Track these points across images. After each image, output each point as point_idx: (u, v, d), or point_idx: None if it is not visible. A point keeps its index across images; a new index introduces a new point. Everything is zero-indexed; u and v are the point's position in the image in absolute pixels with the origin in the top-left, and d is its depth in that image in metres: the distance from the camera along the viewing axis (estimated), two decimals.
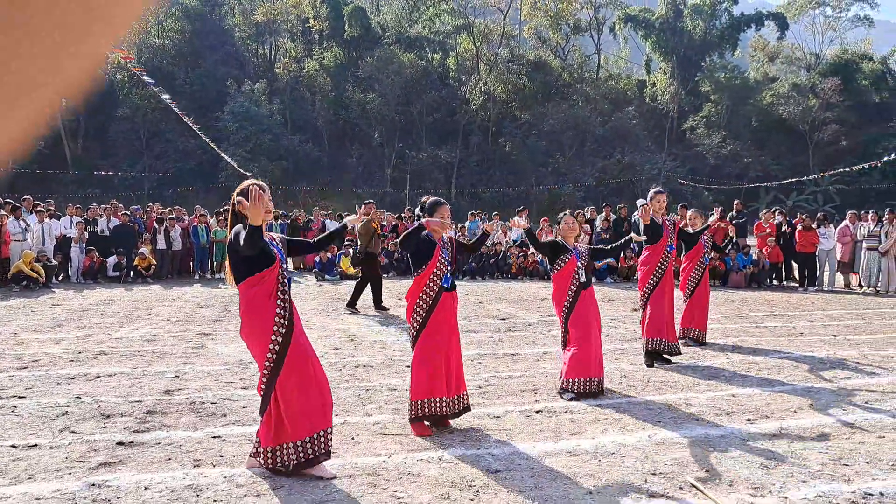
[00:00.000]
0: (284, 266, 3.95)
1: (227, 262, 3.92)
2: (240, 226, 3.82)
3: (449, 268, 4.81)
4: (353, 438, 4.50)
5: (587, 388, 5.57)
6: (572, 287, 5.71)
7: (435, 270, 4.71)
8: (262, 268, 3.77)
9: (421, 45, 45.54)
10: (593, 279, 6.20)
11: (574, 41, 48.11)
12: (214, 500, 3.48)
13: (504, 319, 9.81)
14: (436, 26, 47.05)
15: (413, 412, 4.63)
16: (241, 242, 3.66)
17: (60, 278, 14.21)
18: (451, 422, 4.79)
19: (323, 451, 3.81)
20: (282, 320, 3.77)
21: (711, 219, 8.51)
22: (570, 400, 5.47)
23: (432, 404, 4.60)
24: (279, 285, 3.81)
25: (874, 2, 47.36)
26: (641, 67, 50.89)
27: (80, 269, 14.28)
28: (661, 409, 5.27)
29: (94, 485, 3.64)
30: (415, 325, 4.70)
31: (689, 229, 8.11)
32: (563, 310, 5.73)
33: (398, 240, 4.84)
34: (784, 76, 45.43)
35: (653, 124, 44.80)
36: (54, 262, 13.69)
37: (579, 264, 5.78)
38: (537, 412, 5.17)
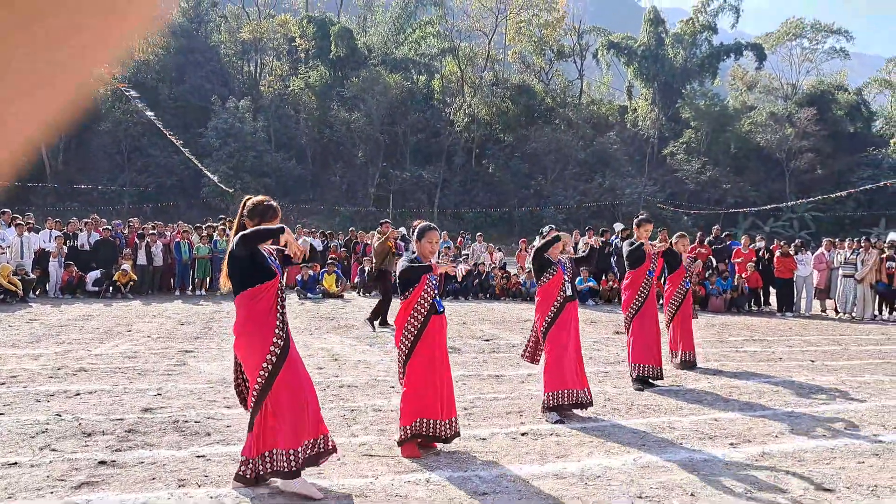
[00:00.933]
0: (283, 282, 3.97)
1: (223, 269, 3.93)
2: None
3: (436, 291, 4.84)
4: (338, 459, 4.48)
5: (568, 400, 5.60)
6: (559, 299, 5.80)
7: (423, 294, 4.70)
8: (260, 281, 3.79)
9: (406, 66, 45.89)
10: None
11: (557, 66, 48.79)
12: None
13: (488, 340, 9.83)
14: (421, 48, 47.51)
15: (403, 434, 4.60)
16: (243, 241, 3.73)
17: (38, 293, 14.00)
18: (438, 445, 4.79)
19: (323, 450, 3.94)
20: (278, 339, 3.78)
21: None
22: (555, 422, 5.49)
23: (423, 425, 4.58)
24: (278, 300, 3.83)
25: (850, 35, 48.63)
26: (623, 93, 51.70)
27: (58, 283, 14.09)
28: (646, 433, 5.30)
29: None
30: (404, 349, 4.68)
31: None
32: (546, 320, 5.79)
33: (401, 270, 4.80)
34: (762, 105, 46.35)
35: (634, 149, 45.40)
36: (32, 276, 13.50)
37: (566, 277, 5.90)
38: (523, 434, 5.19)
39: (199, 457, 4.45)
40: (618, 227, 16.79)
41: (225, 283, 3.92)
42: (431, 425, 4.60)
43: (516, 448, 4.85)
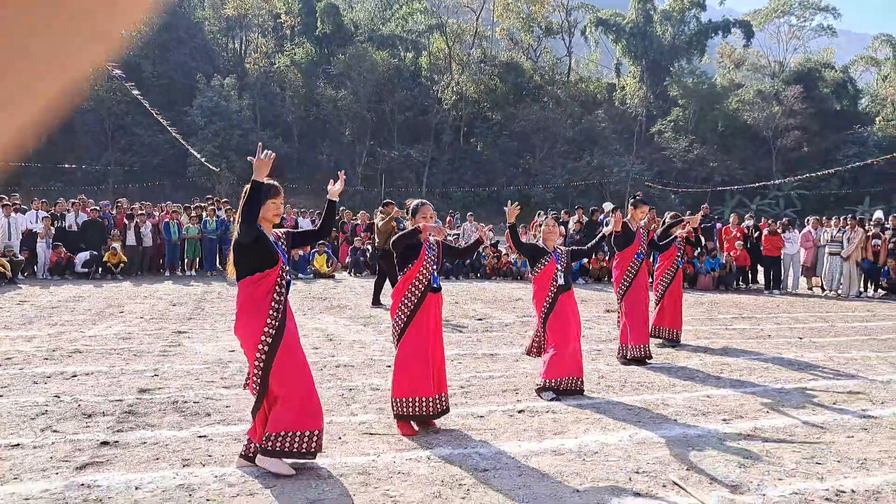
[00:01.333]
0: (287, 268, 3.98)
1: (230, 256, 3.94)
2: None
3: (434, 267, 4.86)
4: (340, 438, 4.54)
5: (566, 386, 5.68)
6: (552, 290, 5.82)
7: (421, 269, 4.75)
8: (263, 268, 3.81)
9: (393, 43, 45.44)
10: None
11: (546, 43, 48.49)
12: (207, 500, 3.49)
13: (481, 319, 9.90)
14: (408, 25, 47.00)
15: (396, 410, 4.68)
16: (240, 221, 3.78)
17: (26, 274, 13.89)
18: (436, 422, 4.85)
19: (308, 450, 3.86)
20: (273, 321, 3.80)
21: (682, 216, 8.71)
22: (551, 400, 5.57)
23: (415, 403, 4.64)
24: (276, 286, 3.85)
25: (837, 12, 48.67)
26: (611, 71, 51.54)
27: (46, 264, 13.98)
28: (640, 410, 5.40)
29: (83, 485, 3.62)
30: (399, 322, 4.73)
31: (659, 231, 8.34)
32: (542, 311, 5.84)
33: (392, 240, 4.87)
34: (749, 83, 46.39)
35: (622, 127, 45.38)
36: (20, 258, 13.38)
37: (558, 266, 5.90)
38: (520, 412, 5.26)
39: (200, 437, 4.48)
40: (607, 206, 16.85)
41: (231, 272, 3.93)
42: (421, 403, 4.65)
43: (514, 425, 4.92)
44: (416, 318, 4.71)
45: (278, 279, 3.87)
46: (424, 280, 4.75)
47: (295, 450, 3.81)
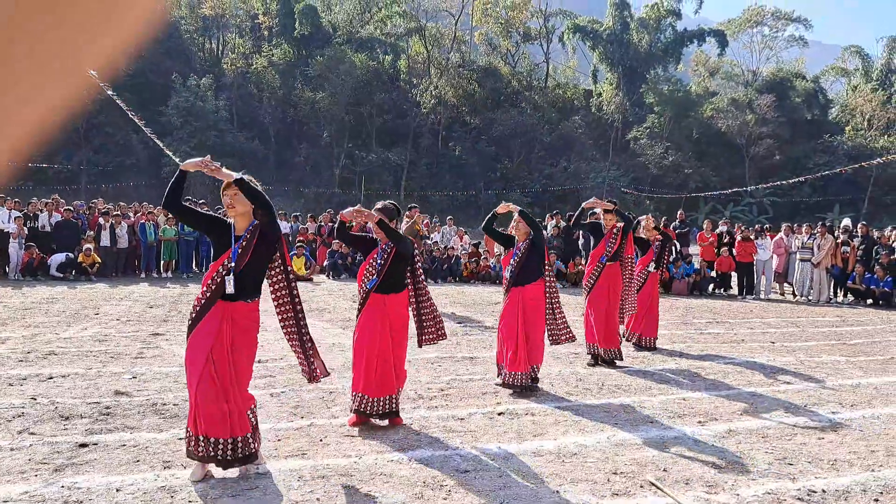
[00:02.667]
0: (230, 264, 3.80)
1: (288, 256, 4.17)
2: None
3: (377, 270, 4.88)
4: (321, 440, 4.55)
5: (509, 380, 5.92)
6: (507, 282, 6.16)
7: (367, 268, 4.92)
8: (211, 260, 3.93)
9: (372, 45, 45.39)
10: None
11: (524, 49, 48.79)
12: (190, 502, 3.49)
13: (460, 323, 9.95)
14: (387, 28, 46.98)
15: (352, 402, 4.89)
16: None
17: None
18: (374, 421, 4.89)
19: (213, 456, 3.74)
20: (193, 311, 3.80)
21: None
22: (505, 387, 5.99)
23: (359, 399, 4.80)
24: (210, 279, 3.79)
25: (808, 23, 49.65)
26: (588, 77, 51.99)
27: (18, 265, 13.74)
28: (618, 412, 5.49)
29: (63, 486, 3.60)
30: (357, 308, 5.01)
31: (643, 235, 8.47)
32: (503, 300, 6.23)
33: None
34: (723, 91, 47.11)
35: (598, 133, 45.80)
36: None
37: (513, 261, 6.17)
38: (500, 414, 5.32)
39: (180, 439, 4.46)
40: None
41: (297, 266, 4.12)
42: (363, 401, 4.78)
43: (494, 427, 4.98)
44: (361, 317, 4.88)
45: (214, 273, 3.79)
46: (367, 281, 4.90)
47: (200, 454, 3.72)
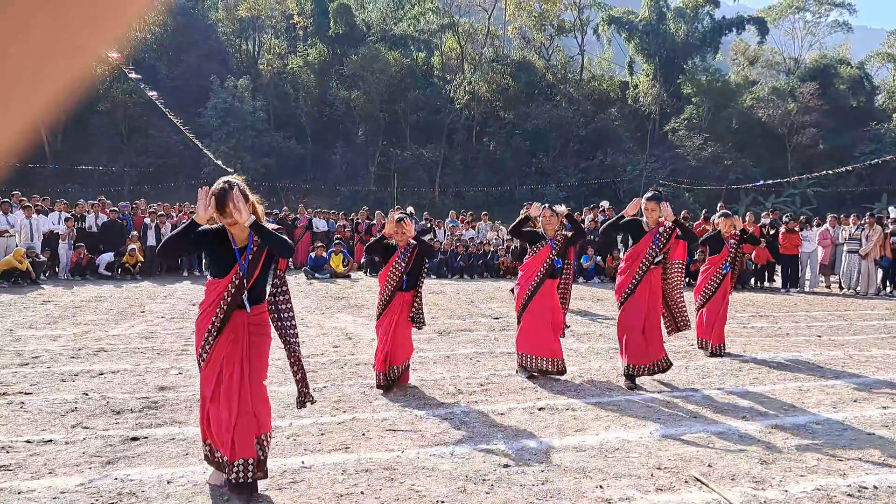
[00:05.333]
0: (239, 280, 3.65)
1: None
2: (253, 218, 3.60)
3: (406, 270, 5.88)
4: (363, 434, 4.60)
5: (524, 362, 6.24)
6: (539, 273, 6.32)
7: (391, 270, 5.89)
8: (217, 276, 3.71)
9: (406, 43, 45.51)
10: (581, 279, 6.52)
11: (558, 42, 48.37)
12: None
13: (497, 319, 9.94)
14: (420, 25, 47.04)
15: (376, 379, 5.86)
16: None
17: (48, 275, 14.09)
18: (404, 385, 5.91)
19: (243, 478, 3.53)
20: (212, 328, 3.61)
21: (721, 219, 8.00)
22: (528, 377, 6.25)
23: (379, 376, 5.77)
24: (222, 300, 3.63)
25: (853, 7, 48.20)
26: (624, 69, 51.31)
27: (68, 265, 14.17)
28: (660, 407, 5.43)
29: (117, 479, 3.71)
30: (377, 311, 6.04)
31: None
32: (527, 292, 6.37)
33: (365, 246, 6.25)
34: (764, 80, 46.06)
35: (635, 126, 45.19)
36: (43, 259, 13.58)
37: (552, 253, 6.34)
38: (540, 409, 5.31)
39: None
40: (604, 204, 17.07)
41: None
42: (379, 375, 5.78)
43: (535, 422, 4.97)
44: (387, 310, 5.92)
45: (228, 287, 3.62)
46: (394, 282, 5.89)
47: (216, 460, 3.67)
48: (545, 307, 6.31)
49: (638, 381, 6.16)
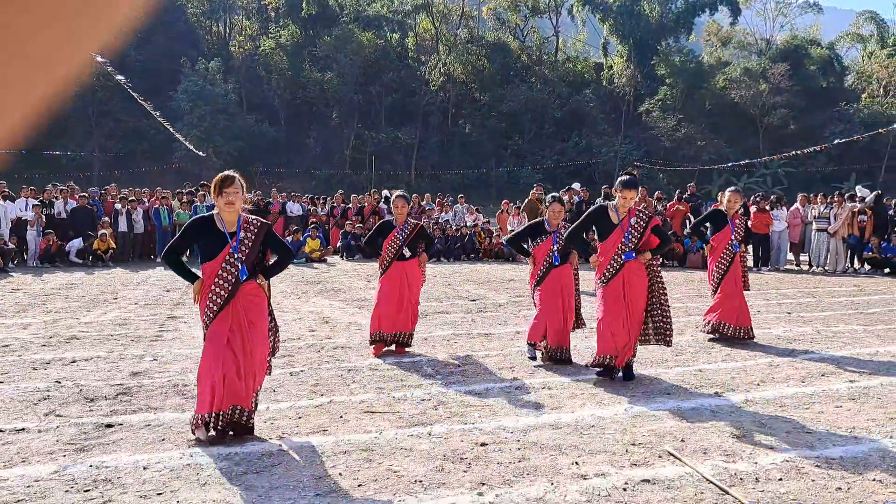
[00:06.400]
0: (233, 258, 4.22)
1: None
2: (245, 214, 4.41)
3: (403, 243, 6.53)
4: (341, 417, 4.62)
5: (548, 353, 6.22)
6: (544, 264, 6.35)
7: (390, 244, 6.56)
8: (207, 259, 4.30)
9: (379, 24, 45.07)
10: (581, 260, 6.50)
11: (532, 23, 48.23)
12: (216, 478, 3.56)
13: (475, 300, 9.99)
14: (394, 5, 46.58)
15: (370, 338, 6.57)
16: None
17: (16, 262, 13.82)
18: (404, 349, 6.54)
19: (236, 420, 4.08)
20: (213, 305, 4.18)
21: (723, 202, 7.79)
22: (531, 358, 6.25)
23: (378, 335, 6.47)
24: (217, 277, 4.20)
25: None
26: (599, 50, 51.36)
27: (36, 252, 13.91)
28: (634, 384, 5.51)
29: (91, 465, 3.68)
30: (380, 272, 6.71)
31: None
32: (535, 282, 6.45)
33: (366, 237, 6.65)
34: (736, 61, 46.37)
35: (609, 107, 45.33)
36: (11, 246, 13.31)
37: (554, 246, 6.33)
38: (517, 388, 5.36)
39: None
40: (576, 186, 17.09)
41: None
42: (380, 334, 6.49)
43: (511, 401, 5.02)
44: (386, 275, 6.64)
45: (220, 269, 4.18)
46: (392, 252, 6.55)
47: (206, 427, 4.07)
48: (555, 292, 6.30)
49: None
